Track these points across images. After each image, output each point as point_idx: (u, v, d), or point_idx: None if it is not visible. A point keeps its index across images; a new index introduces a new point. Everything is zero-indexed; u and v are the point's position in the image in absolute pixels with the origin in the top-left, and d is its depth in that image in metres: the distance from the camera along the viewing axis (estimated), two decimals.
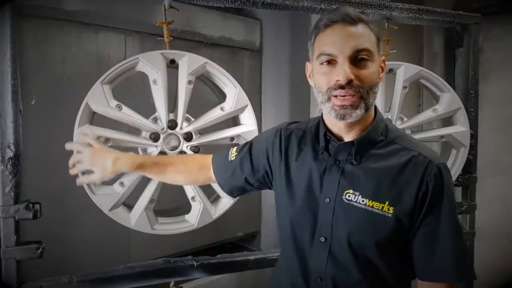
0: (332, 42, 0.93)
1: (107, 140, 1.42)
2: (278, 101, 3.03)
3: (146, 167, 1.23)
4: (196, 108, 1.55)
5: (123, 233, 2.11)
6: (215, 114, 1.51)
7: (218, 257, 1.56)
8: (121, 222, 1.46)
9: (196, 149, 1.53)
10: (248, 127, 1.53)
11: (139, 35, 2.32)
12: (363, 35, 0.93)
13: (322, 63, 0.94)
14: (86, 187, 1.39)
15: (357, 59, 0.92)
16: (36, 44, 1.95)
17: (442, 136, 1.79)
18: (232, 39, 2.83)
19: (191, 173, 1.29)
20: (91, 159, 1.21)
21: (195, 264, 1.49)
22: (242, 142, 1.53)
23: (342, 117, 0.93)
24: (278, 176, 1.11)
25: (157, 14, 2.31)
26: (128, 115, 1.43)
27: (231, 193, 1.27)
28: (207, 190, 1.53)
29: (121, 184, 1.45)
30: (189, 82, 1.47)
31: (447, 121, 1.87)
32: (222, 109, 1.51)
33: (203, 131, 1.54)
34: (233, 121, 1.59)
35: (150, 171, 1.24)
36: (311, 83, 1.03)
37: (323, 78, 0.95)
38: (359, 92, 0.91)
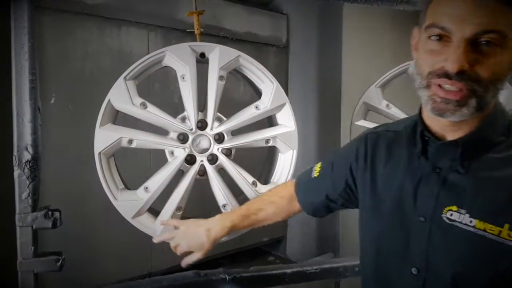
0: (450, 12, 0.68)
1: (130, 141, 1.31)
2: (306, 100, 2.91)
3: (238, 225, 1.18)
4: (228, 107, 1.43)
5: (146, 239, 2.01)
6: (249, 113, 1.38)
7: (252, 270, 1.42)
8: (144, 230, 1.35)
9: (228, 152, 1.40)
10: (286, 128, 1.40)
11: (162, 29, 2.25)
12: (496, 10, 0.66)
13: (430, 37, 0.71)
14: (108, 193, 1.29)
15: (480, 42, 0.67)
16: (56, 38, 1.89)
17: None
18: (258, 34, 2.74)
19: (283, 210, 1.19)
20: (185, 242, 1.19)
21: (227, 278, 1.36)
22: (279, 144, 1.40)
23: (441, 113, 0.71)
24: (362, 188, 0.92)
25: (181, 8, 2.22)
26: (154, 114, 1.32)
27: (314, 213, 1.13)
28: (238, 197, 1.41)
29: (146, 189, 1.33)
30: (221, 78, 1.34)
31: None
32: (257, 107, 1.38)
33: (236, 132, 1.41)
34: (269, 121, 1.46)
35: (242, 227, 1.20)
36: (414, 56, 0.79)
37: (427, 58, 0.72)
38: (472, 87, 0.68)
